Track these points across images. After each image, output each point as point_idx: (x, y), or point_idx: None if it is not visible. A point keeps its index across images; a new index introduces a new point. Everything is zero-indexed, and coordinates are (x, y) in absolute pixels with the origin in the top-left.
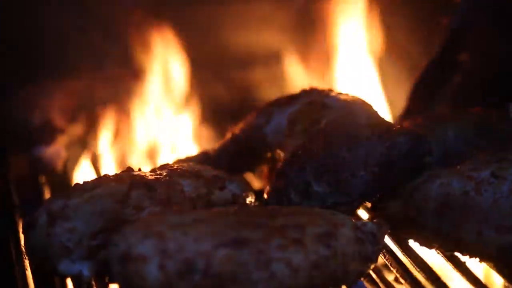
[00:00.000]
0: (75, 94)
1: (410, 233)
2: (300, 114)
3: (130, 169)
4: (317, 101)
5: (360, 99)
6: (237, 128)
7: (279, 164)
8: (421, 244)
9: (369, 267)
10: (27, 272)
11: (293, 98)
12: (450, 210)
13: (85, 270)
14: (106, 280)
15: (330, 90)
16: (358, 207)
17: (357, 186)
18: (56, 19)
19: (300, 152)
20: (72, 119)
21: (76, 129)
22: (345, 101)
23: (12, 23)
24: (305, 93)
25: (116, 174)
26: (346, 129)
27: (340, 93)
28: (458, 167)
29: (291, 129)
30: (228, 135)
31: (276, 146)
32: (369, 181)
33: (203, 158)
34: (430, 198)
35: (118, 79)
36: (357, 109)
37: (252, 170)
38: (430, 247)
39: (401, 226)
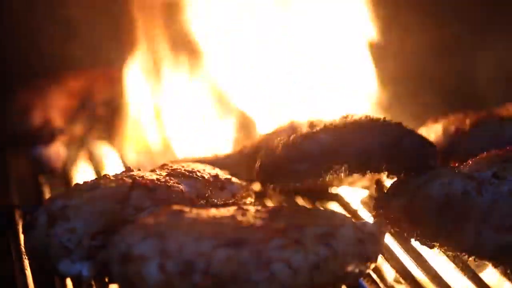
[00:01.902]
0: (75, 94)
1: (412, 232)
2: (320, 121)
3: (130, 170)
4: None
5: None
6: (249, 142)
7: None
8: (422, 243)
9: (369, 267)
10: (27, 272)
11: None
12: (450, 210)
13: (85, 270)
14: (106, 280)
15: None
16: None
17: (360, 147)
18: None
19: (315, 126)
20: (72, 119)
21: (76, 129)
22: (364, 119)
23: (12, 23)
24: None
25: (116, 174)
26: (365, 120)
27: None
28: (462, 166)
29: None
30: (238, 147)
31: None
32: (372, 148)
33: (208, 161)
34: (431, 197)
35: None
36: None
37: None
38: (430, 246)
39: (403, 225)
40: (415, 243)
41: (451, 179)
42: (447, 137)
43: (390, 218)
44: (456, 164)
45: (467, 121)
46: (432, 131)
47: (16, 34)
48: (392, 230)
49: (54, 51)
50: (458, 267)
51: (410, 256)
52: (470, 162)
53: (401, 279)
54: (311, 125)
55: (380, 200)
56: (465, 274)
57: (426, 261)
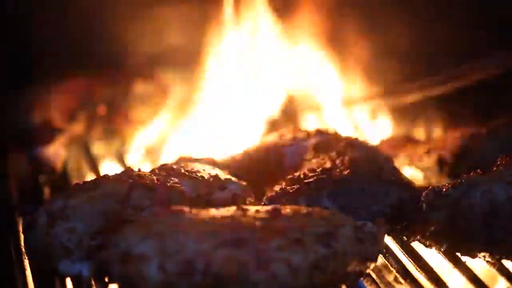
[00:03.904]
0: (75, 94)
1: (455, 243)
2: (326, 145)
3: (130, 169)
4: (344, 139)
5: (385, 153)
6: (252, 146)
7: (295, 174)
8: (463, 254)
9: (368, 267)
10: (26, 272)
11: (319, 131)
12: (498, 218)
13: (85, 270)
14: (106, 280)
15: (356, 138)
16: None
17: (364, 217)
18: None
19: (320, 170)
20: (72, 119)
21: (76, 129)
22: (372, 147)
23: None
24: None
25: (116, 174)
26: (371, 167)
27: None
28: (494, 172)
29: (313, 154)
30: (241, 150)
31: (292, 168)
32: (376, 217)
33: (208, 163)
34: (476, 207)
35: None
36: (382, 158)
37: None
38: (473, 256)
39: (446, 236)
40: (413, 243)
41: (491, 186)
42: (463, 141)
43: (433, 230)
44: (479, 171)
45: (483, 129)
46: (448, 137)
47: (16, 35)
48: (434, 243)
49: (54, 51)
50: (457, 267)
51: (410, 257)
52: (497, 168)
53: (401, 279)
54: (316, 148)
55: (417, 213)
56: (464, 275)
57: (426, 261)
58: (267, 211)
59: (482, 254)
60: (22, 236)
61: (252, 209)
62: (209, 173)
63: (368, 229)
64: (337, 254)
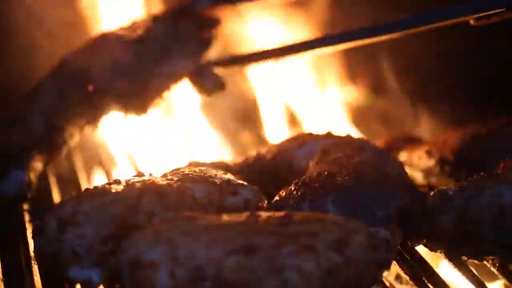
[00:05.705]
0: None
1: (462, 246)
2: (335, 147)
3: (141, 174)
4: (355, 142)
5: (394, 156)
6: (264, 149)
7: (302, 178)
8: (470, 257)
9: (382, 274)
10: (36, 278)
11: (330, 134)
12: (507, 221)
13: (95, 276)
14: (116, 287)
15: (368, 141)
16: None
17: (369, 223)
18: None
19: (326, 174)
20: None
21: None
22: (381, 151)
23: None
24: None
25: (127, 179)
26: (378, 171)
27: (377, 146)
28: (499, 174)
29: (322, 157)
30: (253, 153)
31: (301, 171)
32: (381, 222)
33: (221, 167)
34: (484, 210)
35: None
36: (391, 161)
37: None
38: (481, 259)
39: (453, 240)
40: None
41: (499, 188)
42: (463, 141)
43: (440, 234)
44: (482, 173)
45: (484, 128)
46: (448, 137)
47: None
48: (443, 247)
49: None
50: (458, 268)
51: (411, 258)
52: (502, 170)
53: (403, 280)
54: (325, 151)
55: (423, 217)
56: (465, 275)
57: (430, 265)
58: (279, 217)
59: (490, 257)
60: (31, 242)
61: (264, 215)
62: (221, 178)
63: (381, 236)
64: (350, 261)
